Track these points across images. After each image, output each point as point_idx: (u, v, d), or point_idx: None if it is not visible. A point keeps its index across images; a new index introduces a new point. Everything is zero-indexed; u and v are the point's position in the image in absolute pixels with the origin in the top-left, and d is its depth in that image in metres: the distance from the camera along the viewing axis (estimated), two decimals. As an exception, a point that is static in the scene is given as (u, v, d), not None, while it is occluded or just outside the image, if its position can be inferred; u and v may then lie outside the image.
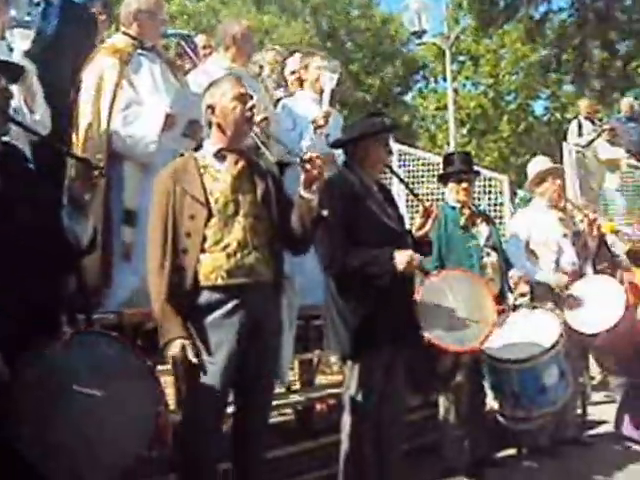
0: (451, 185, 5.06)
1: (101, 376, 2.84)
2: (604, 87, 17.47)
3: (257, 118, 4.23)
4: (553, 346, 4.49)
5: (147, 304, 3.29)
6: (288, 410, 5.16)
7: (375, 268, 3.71)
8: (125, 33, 4.49)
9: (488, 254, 4.98)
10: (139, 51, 4.47)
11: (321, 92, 5.53)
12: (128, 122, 4.24)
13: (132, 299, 4.03)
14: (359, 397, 3.77)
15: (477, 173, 5.34)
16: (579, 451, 5.35)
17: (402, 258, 3.69)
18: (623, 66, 16.96)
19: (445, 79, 18.06)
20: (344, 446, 3.83)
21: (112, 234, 4.22)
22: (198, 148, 3.59)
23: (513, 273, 4.95)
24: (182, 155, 3.57)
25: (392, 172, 4.26)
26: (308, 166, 3.24)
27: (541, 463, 5.07)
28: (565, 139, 10.46)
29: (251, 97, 3.44)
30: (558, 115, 21.43)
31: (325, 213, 3.32)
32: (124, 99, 4.28)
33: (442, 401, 4.85)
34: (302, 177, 3.28)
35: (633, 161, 10.10)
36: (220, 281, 3.18)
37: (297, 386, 5.31)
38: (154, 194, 3.33)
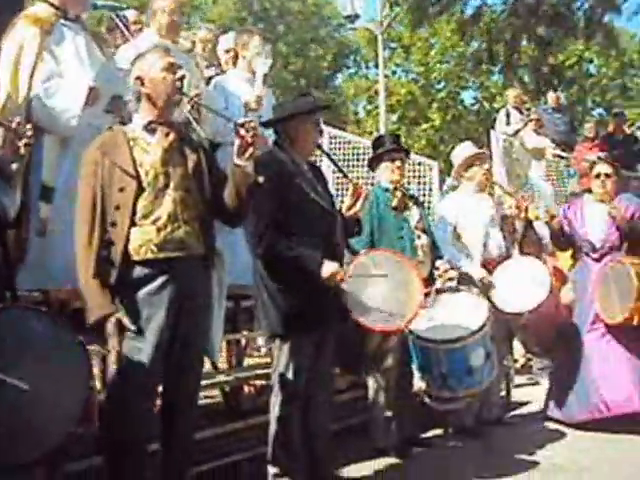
0: (384, 165, 5.04)
1: (30, 351, 2.76)
2: (533, 79, 17.85)
3: (190, 94, 4.15)
4: (481, 327, 4.53)
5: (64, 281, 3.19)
6: (215, 392, 5.11)
7: (303, 264, 3.69)
8: (47, 2, 4.32)
9: (419, 237, 5.00)
10: (62, 21, 4.28)
11: (254, 72, 5.47)
12: (49, 95, 4.08)
13: (48, 276, 3.90)
14: (288, 375, 3.76)
15: (408, 152, 5.34)
16: (503, 431, 5.47)
17: (328, 269, 3.68)
18: (548, 58, 17.34)
19: (377, 65, 18.13)
20: (272, 427, 3.82)
21: (29, 209, 4.05)
22: (123, 124, 3.50)
23: (440, 264, 4.96)
24: (110, 129, 3.46)
25: (322, 151, 4.25)
26: (242, 131, 3.18)
27: (466, 442, 5.15)
28: (493, 128, 10.63)
29: (180, 67, 3.39)
30: (487, 105, 21.77)
31: (261, 179, 3.29)
32: (45, 71, 4.12)
33: (371, 383, 4.86)
34: (236, 144, 3.23)
35: (558, 151, 10.36)
36: (150, 255, 3.13)
37: (225, 367, 5.27)
38: (82, 167, 3.24)
